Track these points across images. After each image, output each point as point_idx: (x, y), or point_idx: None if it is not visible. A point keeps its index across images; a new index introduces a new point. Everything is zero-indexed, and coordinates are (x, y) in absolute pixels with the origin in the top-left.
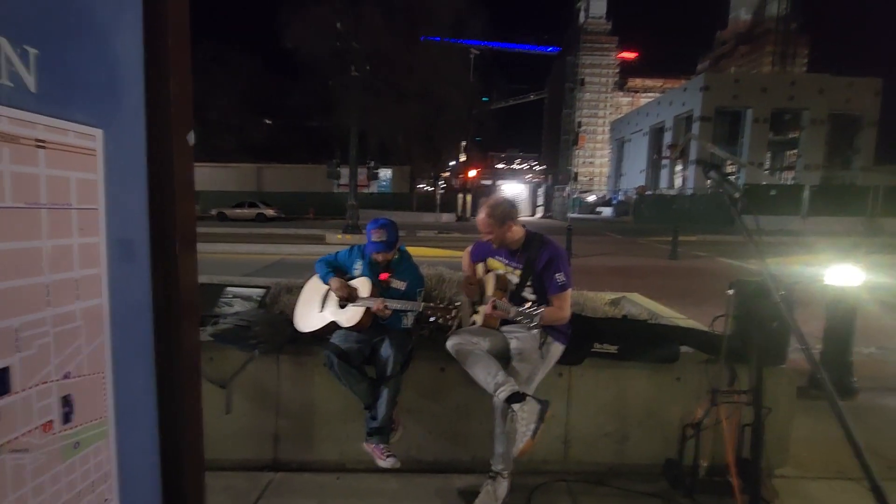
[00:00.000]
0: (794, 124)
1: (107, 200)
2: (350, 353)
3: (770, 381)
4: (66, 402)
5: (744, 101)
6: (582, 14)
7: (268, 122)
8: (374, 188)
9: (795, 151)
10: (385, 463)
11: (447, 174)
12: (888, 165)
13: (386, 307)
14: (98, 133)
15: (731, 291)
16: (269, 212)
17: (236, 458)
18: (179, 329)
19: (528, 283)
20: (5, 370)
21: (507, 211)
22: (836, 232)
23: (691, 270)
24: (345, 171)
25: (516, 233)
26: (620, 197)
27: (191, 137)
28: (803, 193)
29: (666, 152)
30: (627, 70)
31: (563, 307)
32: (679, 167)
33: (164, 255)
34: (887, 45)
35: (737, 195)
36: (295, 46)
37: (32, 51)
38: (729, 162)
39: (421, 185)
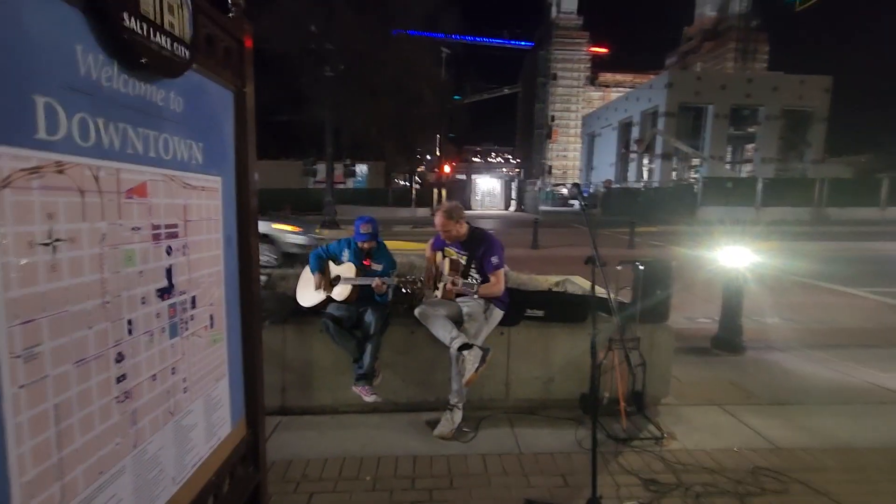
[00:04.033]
0: (752, 120)
1: (223, 214)
2: (342, 319)
3: (656, 333)
4: (211, 318)
5: (705, 98)
6: (553, 9)
7: None
8: (350, 184)
9: (753, 145)
10: (369, 399)
11: (422, 169)
12: (837, 158)
13: (384, 283)
14: (219, 179)
15: (619, 268)
16: None
17: None
18: (251, 286)
19: (473, 266)
20: (195, 296)
21: (458, 212)
22: (786, 221)
23: (645, 258)
24: (321, 168)
25: (462, 228)
26: (591, 190)
27: (255, 176)
28: (757, 185)
29: (633, 146)
30: (599, 65)
31: (499, 282)
32: (646, 161)
33: (244, 244)
34: (836, 44)
35: (584, 203)
36: (263, 42)
37: (200, 144)
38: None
39: (396, 181)
